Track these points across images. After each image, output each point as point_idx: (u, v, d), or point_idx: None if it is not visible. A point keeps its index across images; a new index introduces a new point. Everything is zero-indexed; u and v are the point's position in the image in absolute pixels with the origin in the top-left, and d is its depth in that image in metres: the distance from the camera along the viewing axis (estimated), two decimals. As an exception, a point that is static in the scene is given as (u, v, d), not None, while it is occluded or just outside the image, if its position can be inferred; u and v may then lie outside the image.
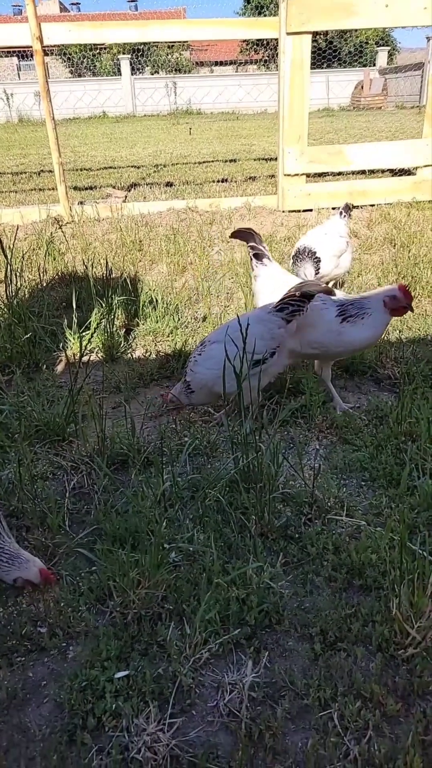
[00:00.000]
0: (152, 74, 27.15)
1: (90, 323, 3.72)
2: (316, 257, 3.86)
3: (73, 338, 3.58)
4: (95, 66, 27.60)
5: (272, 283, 3.15)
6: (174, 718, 1.57)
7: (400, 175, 6.97)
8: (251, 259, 3.30)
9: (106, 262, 4.10)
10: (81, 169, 10.34)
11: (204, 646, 1.75)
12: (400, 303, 2.70)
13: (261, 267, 3.25)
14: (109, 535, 2.13)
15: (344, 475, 2.51)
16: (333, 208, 6.03)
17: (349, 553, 2.02)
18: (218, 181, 8.40)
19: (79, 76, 28.42)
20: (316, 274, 3.86)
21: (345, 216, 4.13)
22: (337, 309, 2.78)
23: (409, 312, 2.75)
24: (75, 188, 8.33)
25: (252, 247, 3.25)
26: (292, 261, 3.99)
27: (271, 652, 1.75)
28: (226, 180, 8.49)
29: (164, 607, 1.88)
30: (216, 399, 2.76)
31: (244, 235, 3.26)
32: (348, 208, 4.17)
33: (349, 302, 2.79)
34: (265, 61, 27.45)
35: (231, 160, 10.67)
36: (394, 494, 2.31)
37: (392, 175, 7.10)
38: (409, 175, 6.90)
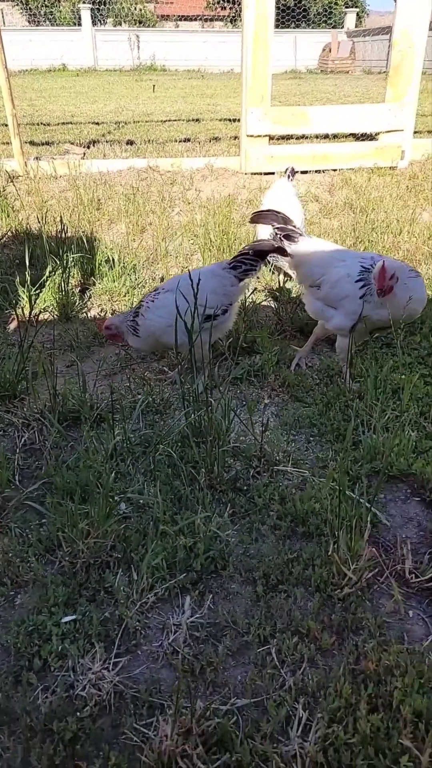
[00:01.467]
0: (115, 26, 25.98)
1: (43, 282, 3.65)
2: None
3: (25, 296, 3.51)
4: (53, 15, 26.22)
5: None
6: (119, 657, 1.63)
7: (362, 140, 6.96)
8: (282, 241, 2.95)
9: (61, 219, 4.00)
10: (38, 124, 9.93)
11: (150, 591, 1.80)
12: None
13: (295, 245, 2.93)
14: (59, 489, 2.14)
15: (294, 431, 2.57)
16: (298, 172, 6.00)
17: (294, 503, 2.09)
18: (181, 141, 8.22)
19: (37, 25, 26.97)
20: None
21: (291, 179, 4.14)
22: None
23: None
24: (31, 143, 8.01)
25: (281, 229, 2.95)
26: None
27: (215, 595, 1.82)
28: (189, 140, 8.31)
29: (113, 556, 1.92)
30: (159, 349, 2.79)
31: (266, 218, 3.03)
32: (293, 171, 4.19)
33: None
34: (233, 18, 26.59)
35: (195, 120, 10.41)
36: (340, 448, 2.39)
37: (355, 140, 7.08)
38: (371, 140, 6.89)
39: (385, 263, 2.52)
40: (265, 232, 3.85)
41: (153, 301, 2.71)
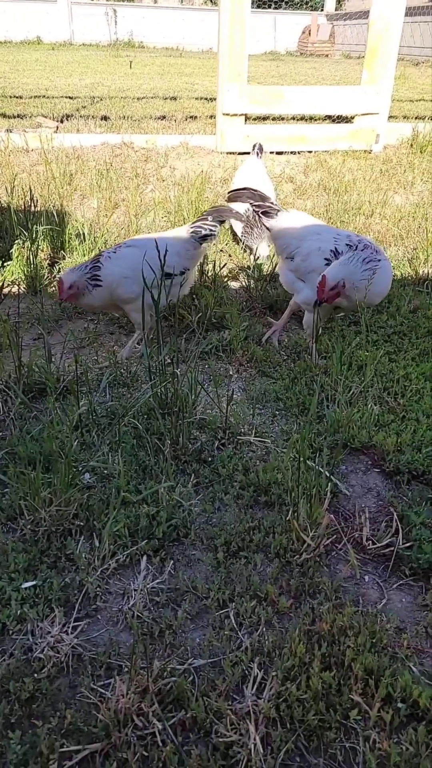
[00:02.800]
0: (92, 0, 25.29)
1: (11, 254, 3.58)
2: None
3: (-7, 268, 3.45)
4: (29, -15, 25.34)
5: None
6: (79, 621, 1.64)
7: (338, 123, 6.95)
8: (259, 218, 3.00)
9: (30, 191, 3.92)
10: (10, 97, 9.66)
11: (112, 558, 1.82)
12: None
13: (273, 220, 2.96)
14: (23, 459, 2.13)
15: (260, 404, 2.60)
16: (271, 152, 5.98)
17: (257, 473, 2.12)
18: (157, 118, 8.09)
19: (12, -5, 26.04)
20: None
21: (260, 156, 4.14)
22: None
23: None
24: (2, 116, 7.81)
25: (258, 206, 2.98)
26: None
27: (176, 561, 1.85)
28: (165, 117, 8.19)
29: (75, 524, 1.92)
30: (108, 307, 2.82)
31: (243, 196, 3.04)
32: (261, 148, 4.20)
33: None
34: (213, -5, 26.09)
35: (172, 98, 10.26)
36: (305, 421, 2.43)
37: (331, 122, 7.07)
38: (347, 123, 6.88)
39: (326, 276, 2.54)
40: (239, 209, 3.84)
41: (115, 252, 2.76)
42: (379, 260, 2.61)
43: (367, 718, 1.45)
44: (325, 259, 2.68)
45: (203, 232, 2.77)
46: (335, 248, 2.67)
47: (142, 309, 2.51)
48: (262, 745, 1.37)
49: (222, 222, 2.77)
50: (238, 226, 3.84)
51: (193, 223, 2.73)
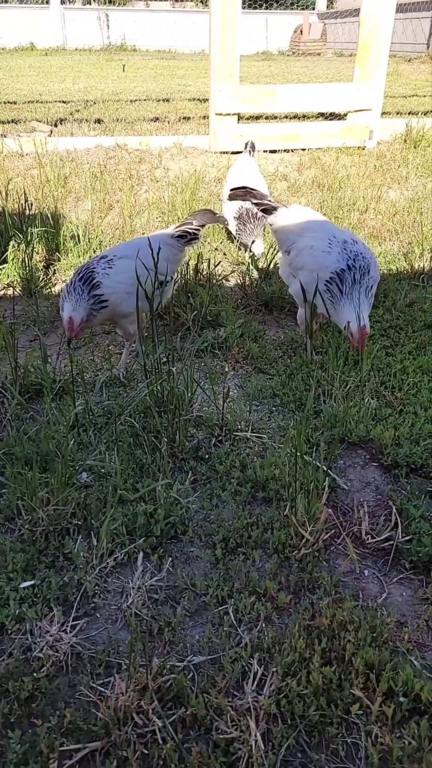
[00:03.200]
0: (84, 5, 25.34)
1: (7, 257, 3.58)
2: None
3: (-12, 271, 3.44)
4: (21, -9, 25.40)
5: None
6: (78, 620, 1.63)
7: (331, 120, 6.95)
8: (260, 215, 3.09)
9: (25, 194, 3.92)
10: (4, 102, 9.67)
11: (110, 557, 1.81)
12: None
13: (273, 216, 2.95)
14: (20, 459, 2.12)
15: (256, 401, 2.59)
16: (264, 151, 5.98)
17: (255, 469, 2.11)
18: (150, 120, 8.10)
19: (6, 1, 26.13)
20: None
21: (252, 154, 4.14)
22: None
23: None
24: (-4, 121, 7.81)
25: (258, 204, 2.99)
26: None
27: (175, 559, 1.84)
28: (159, 119, 8.20)
29: (73, 523, 1.91)
30: (102, 322, 2.76)
31: (244, 195, 3.05)
32: (253, 146, 4.20)
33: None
34: (204, -2, 26.14)
35: (164, 100, 10.27)
36: (302, 417, 2.42)
37: (324, 120, 7.07)
38: (340, 120, 6.88)
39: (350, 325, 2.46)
40: (231, 208, 3.83)
41: (109, 266, 2.62)
42: (372, 277, 2.58)
43: (368, 713, 1.44)
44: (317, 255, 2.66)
45: (189, 237, 2.77)
46: (329, 243, 2.65)
47: (137, 319, 2.50)
48: (263, 741, 1.36)
49: (204, 226, 2.78)
50: (232, 224, 3.84)
51: (178, 226, 2.74)
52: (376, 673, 1.50)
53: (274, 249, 3.52)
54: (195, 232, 2.78)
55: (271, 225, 3.01)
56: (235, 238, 3.98)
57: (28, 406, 2.47)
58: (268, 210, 2.96)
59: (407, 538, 1.88)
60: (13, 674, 1.47)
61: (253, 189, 3.06)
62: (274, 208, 2.95)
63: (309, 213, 2.97)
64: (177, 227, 2.77)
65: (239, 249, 4.05)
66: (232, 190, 3.12)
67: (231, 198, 3.15)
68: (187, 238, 2.77)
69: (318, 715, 1.42)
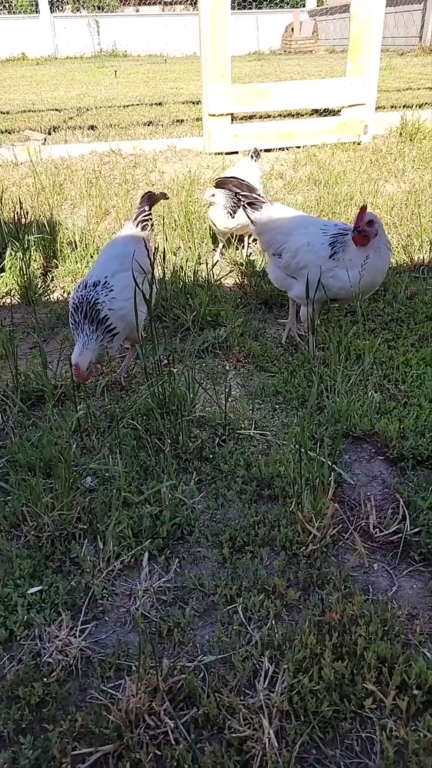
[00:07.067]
0: (73, 12, 25.44)
1: (4, 266, 3.59)
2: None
3: (-14, 280, 3.45)
4: (11, 2, 25.53)
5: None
6: (86, 624, 1.63)
7: (325, 116, 6.94)
8: (245, 209, 2.93)
9: (20, 202, 3.93)
10: (-2, 113, 9.71)
11: (117, 559, 1.80)
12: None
13: (258, 213, 2.89)
14: (23, 466, 2.12)
15: (259, 399, 2.58)
16: (262, 150, 5.97)
17: (259, 467, 2.10)
18: (144, 124, 8.12)
19: (-5, 13, 26.23)
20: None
21: (255, 159, 4.13)
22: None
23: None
24: (-9, 131, 7.84)
25: (245, 197, 2.90)
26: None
27: (182, 560, 1.83)
28: (152, 123, 8.21)
29: (78, 528, 1.91)
30: (127, 335, 2.69)
31: (230, 183, 2.96)
32: (257, 152, 4.18)
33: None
34: (193, 0, 26.18)
35: (157, 104, 10.28)
36: (305, 413, 2.40)
37: (318, 116, 7.06)
38: (335, 116, 6.87)
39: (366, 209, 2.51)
40: (220, 199, 3.75)
41: (111, 290, 2.48)
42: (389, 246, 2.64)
43: (382, 707, 1.42)
44: (326, 244, 2.64)
45: (150, 224, 2.81)
46: (323, 233, 2.66)
47: (136, 326, 2.45)
48: (276, 739, 1.34)
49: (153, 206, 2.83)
50: (222, 214, 3.70)
51: (135, 218, 2.76)
52: (388, 666, 1.49)
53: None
54: (150, 215, 2.83)
55: (254, 223, 2.89)
56: (233, 235, 3.96)
57: (30, 413, 2.47)
58: (253, 204, 2.88)
59: (416, 530, 1.87)
60: (23, 680, 1.47)
61: (242, 180, 2.95)
62: (262, 204, 2.87)
63: (290, 211, 2.94)
64: (136, 221, 2.78)
65: (237, 248, 4.05)
66: (219, 178, 3.05)
67: (217, 185, 3.04)
68: (149, 225, 2.80)
69: (331, 711, 1.40)
